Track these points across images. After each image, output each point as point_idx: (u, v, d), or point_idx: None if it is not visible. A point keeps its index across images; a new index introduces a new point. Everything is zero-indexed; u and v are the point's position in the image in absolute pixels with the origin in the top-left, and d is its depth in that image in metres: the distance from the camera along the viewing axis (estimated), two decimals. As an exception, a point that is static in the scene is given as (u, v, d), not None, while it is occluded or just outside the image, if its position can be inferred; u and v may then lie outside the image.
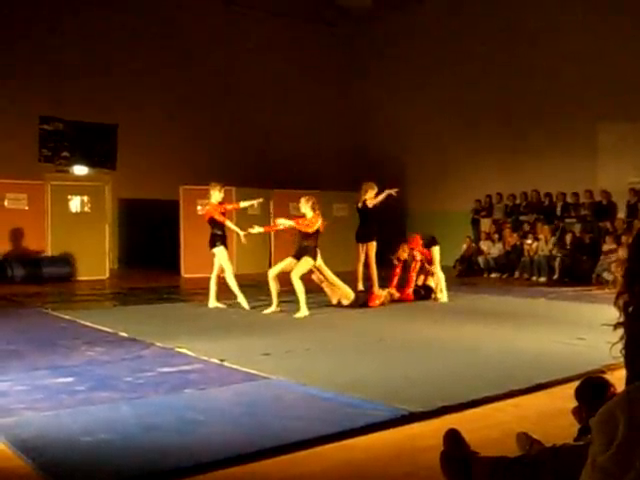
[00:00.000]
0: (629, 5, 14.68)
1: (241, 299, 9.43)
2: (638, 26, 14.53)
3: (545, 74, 16.14)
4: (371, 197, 10.64)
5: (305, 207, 9.11)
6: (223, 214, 9.54)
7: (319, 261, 9.19)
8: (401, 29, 19.56)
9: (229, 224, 9.68)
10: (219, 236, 9.49)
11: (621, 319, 2.17)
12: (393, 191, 10.69)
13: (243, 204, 10.28)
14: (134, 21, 17.63)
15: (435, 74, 18.66)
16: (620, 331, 2.18)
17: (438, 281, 10.50)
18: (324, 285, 9.62)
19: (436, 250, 10.39)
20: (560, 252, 14.31)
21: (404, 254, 10.42)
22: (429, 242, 10.54)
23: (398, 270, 10.47)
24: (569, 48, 15.67)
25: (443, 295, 10.38)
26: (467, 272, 15.77)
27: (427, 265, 10.62)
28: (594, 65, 15.19)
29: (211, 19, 18.90)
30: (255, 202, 10.37)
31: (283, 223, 9.44)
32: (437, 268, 10.43)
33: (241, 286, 9.56)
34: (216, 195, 9.65)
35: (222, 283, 9.61)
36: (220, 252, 9.48)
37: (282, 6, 19.72)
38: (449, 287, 10.68)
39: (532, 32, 16.40)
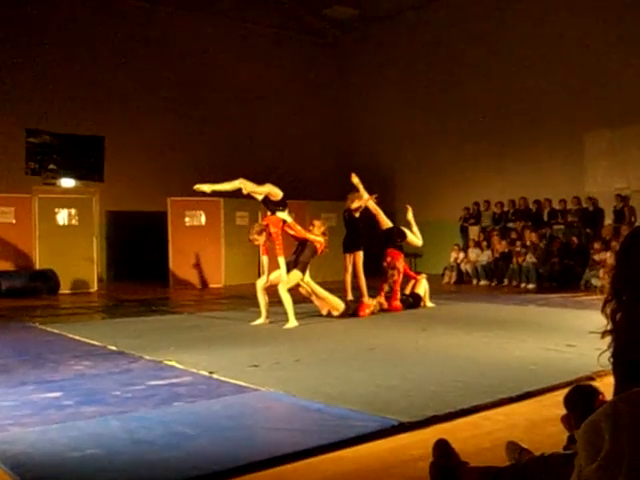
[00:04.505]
0: (614, 16, 14.85)
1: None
2: (622, 37, 14.67)
3: (532, 83, 16.25)
4: (359, 206, 10.64)
5: (317, 230, 9.42)
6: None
7: (307, 277, 9.21)
8: (387, 38, 19.64)
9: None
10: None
11: (609, 327, 2.16)
12: (372, 197, 10.78)
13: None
14: (120, 33, 17.63)
15: (422, 83, 18.75)
16: (609, 339, 2.18)
17: (426, 288, 10.57)
18: (313, 298, 9.62)
19: (409, 233, 10.74)
20: (548, 259, 14.36)
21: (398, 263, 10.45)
22: (398, 231, 10.71)
23: (395, 278, 10.43)
24: (556, 57, 15.82)
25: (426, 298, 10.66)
26: (456, 280, 15.83)
27: (411, 276, 10.81)
28: (580, 74, 15.36)
29: (198, 30, 18.91)
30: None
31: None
32: (415, 228, 10.87)
33: (229, 298, 9.49)
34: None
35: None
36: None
37: (270, 17, 19.81)
38: (439, 295, 10.70)
39: (520, 42, 16.53)
